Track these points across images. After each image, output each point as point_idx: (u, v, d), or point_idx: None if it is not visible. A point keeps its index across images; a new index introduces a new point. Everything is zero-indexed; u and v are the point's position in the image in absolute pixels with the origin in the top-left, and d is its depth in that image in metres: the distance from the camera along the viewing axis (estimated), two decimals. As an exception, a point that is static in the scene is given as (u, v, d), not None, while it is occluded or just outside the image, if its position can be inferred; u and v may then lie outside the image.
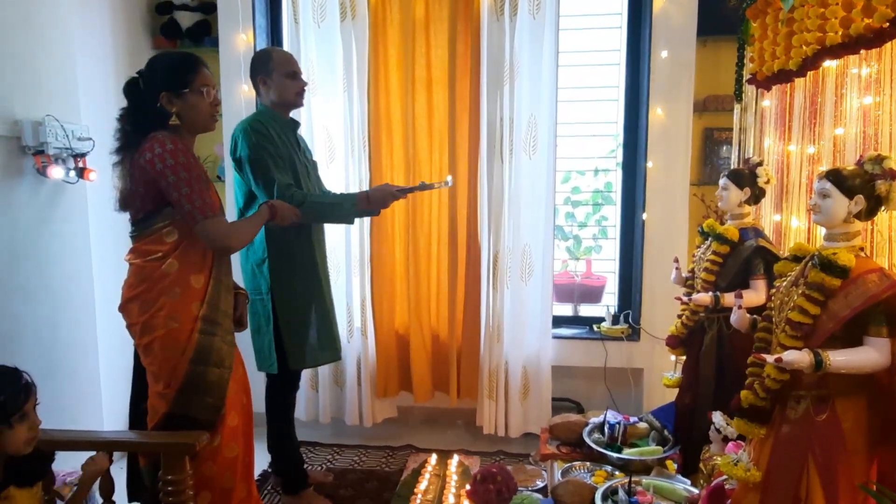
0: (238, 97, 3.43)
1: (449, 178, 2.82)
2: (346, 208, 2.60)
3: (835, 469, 1.67)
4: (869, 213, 1.70)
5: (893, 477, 1.64)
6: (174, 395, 2.00)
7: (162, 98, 1.99)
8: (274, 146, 2.53)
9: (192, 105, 2.02)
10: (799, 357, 1.61)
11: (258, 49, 3.42)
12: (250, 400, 2.28)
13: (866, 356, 1.61)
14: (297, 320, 2.64)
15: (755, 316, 1.99)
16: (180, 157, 1.95)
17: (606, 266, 3.78)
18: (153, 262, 2.00)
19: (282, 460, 2.80)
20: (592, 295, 3.70)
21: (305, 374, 3.41)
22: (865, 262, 1.68)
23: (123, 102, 2.05)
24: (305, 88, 2.69)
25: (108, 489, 2.04)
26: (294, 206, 2.43)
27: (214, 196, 2.08)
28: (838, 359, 1.61)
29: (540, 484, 2.75)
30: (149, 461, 2.07)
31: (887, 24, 1.73)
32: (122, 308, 2.06)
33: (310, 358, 2.71)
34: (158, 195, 1.98)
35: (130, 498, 2.21)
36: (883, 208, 1.70)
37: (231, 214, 2.65)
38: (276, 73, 2.60)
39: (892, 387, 1.62)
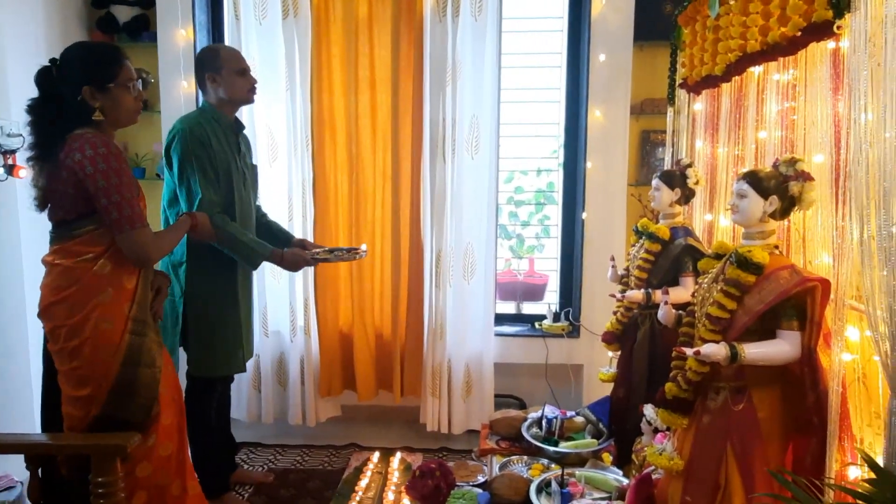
0: (177, 94, 3.37)
1: (364, 246, 2.91)
2: (257, 255, 2.59)
3: (751, 456, 1.76)
4: (783, 213, 1.80)
5: (806, 463, 1.73)
6: (105, 397, 1.96)
7: (84, 92, 1.92)
8: (209, 155, 2.48)
9: (117, 100, 1.96)
10: (716, 350, 1.70)
11: (202, 46, 3.37)
12: (181, 396, 2.25)
13: (779, 348, 1.71)
14: (205, 329, 2.58)
15: (680, 311, 2.07)
16: (112, 162, 1.89)
17: (549, 264, 3.85)
18: (85, 263, 1.95)
19: (195, 462, 2.71)
20: (535, 293, 3.77)
21: (248, 374, 3.38)
22: (779, 259, 1.78)
23: None
24: (256, 85, 2.67)
25: (35, 497, 1.99)
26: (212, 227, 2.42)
27: (142, 203, 2.04)
28: (752, 351, 1.70)
29: (481, 479, 2.78)
30: (71, 467, 2.00)
31: (800, 32, 1.81)
32: (44, 312, 1.98)
33: (209, 367, 2.63)
34: (90, 197, 1.92)
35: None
36: (796, 208, 1.80)
37: (156, 210, 2.61)
38: (226, 70, 2.56)
39: (803, 377, 1.72)
